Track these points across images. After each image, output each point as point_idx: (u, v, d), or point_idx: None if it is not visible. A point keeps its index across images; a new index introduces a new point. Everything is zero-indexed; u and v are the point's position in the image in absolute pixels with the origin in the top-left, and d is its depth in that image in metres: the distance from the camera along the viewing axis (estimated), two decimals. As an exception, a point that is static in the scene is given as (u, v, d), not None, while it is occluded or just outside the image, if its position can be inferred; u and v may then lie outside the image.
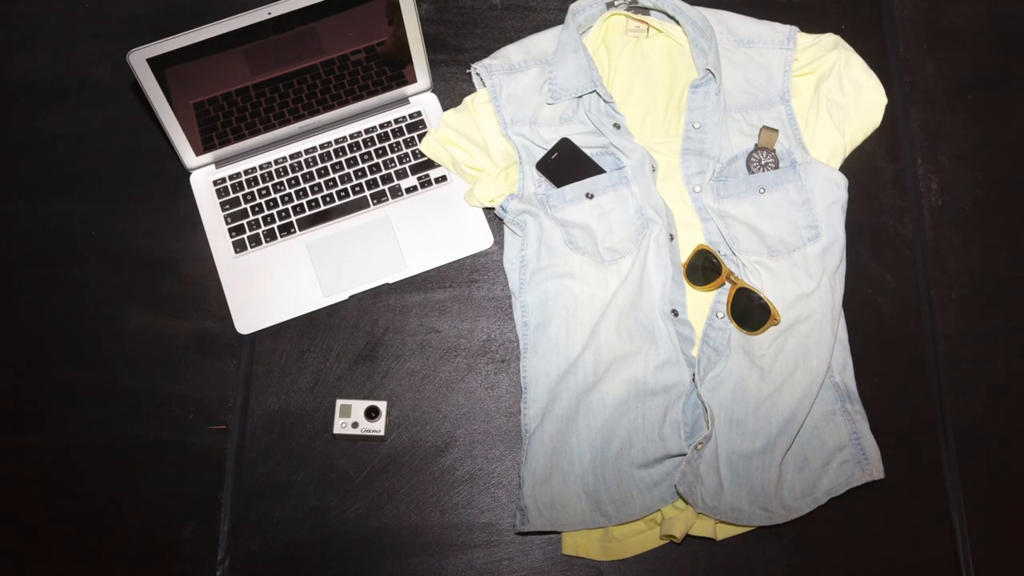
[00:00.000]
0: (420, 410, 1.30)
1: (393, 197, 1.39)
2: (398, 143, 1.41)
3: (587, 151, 1.33)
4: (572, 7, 1.38)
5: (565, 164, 1.32)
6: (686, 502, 1.21)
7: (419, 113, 1.43)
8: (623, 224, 1.30)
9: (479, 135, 1.36)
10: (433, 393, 1.31)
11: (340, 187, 1.39)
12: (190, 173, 1.41)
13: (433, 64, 1.47)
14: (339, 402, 1.28)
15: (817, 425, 1.23)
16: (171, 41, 1.21)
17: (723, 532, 1.23)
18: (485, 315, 1.35)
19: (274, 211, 1.38)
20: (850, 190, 1.35)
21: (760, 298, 1.24)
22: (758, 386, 1.23)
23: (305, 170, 1.40)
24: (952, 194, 1.40)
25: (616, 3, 1.38)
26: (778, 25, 1.39)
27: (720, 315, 1.27)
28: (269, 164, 1.40)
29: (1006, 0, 1.50)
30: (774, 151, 1.32)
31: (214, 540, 1.25)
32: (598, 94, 1.33)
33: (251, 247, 1.37)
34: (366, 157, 1.40)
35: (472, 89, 1.46)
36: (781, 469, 1.22)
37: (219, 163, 1.41)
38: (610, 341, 1.24)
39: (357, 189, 1.39)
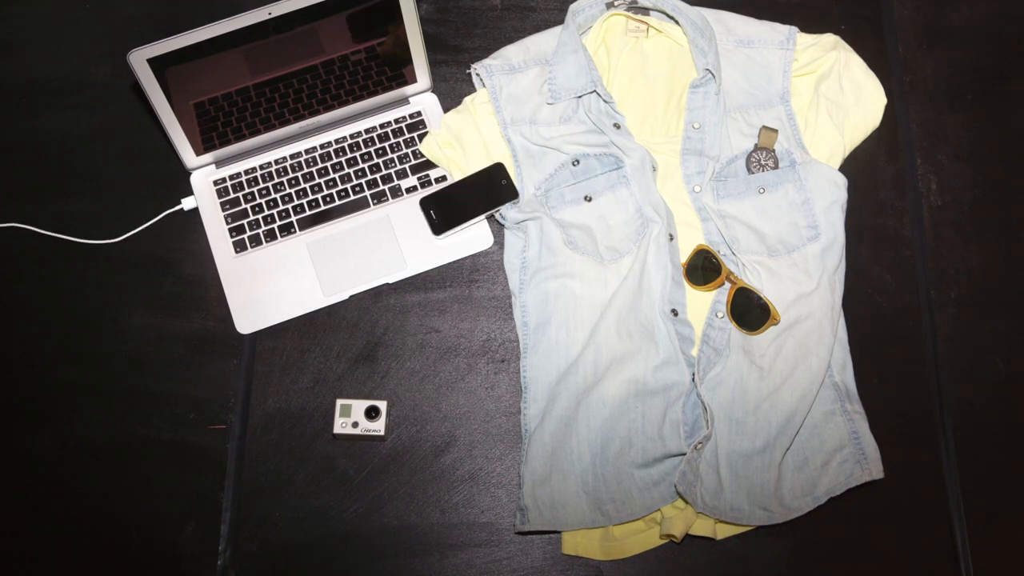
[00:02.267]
0: (420, 410, 1.31)
1: (393, 197, 1.39)
2: (398, 143, 1.41)
3: (587, 150, 1.33)
4: (572, 7, 1.38)
5: (447, 206, 1.35)
6: (686, 502, 1.21)
7: (419, 113, 1.43)
8: (623, 224, 1.30)
9: (479, 136, 1.36)
10: (433, 393, 1.31)
11: (340, 187, 1.39)
12: (190, 173, 1.41)
13: (433, 64, 1.47)
14: (339, 402, 1.28)
15: (816, 425, 1.24)
16: (171, 41, 1.21)
17: (723, 532, 1.23)
18: (485, 315, 1.35)
19: (274, 211, 1.38)
20: (850, 190, 1.35)
21: (760, 298, 1.25)
22: (758, 386, 1.23)
23: (305, 170, 1.40)
24: (952, 194, 1.40)
25: (616, 3, 1.38)
26: (778, 25, 1.39)
27: (720, 315, 1.27)
28: (269, 164, 1.40)
29: (1006, 0, 1.50)
30: (774, 151, 1.32)
31: (214, 540, 1.25)
32: (598, 94, 1.33)
33: (251, 247, 1.37)
34: (366, 157, 1.41)
35: (472, 89, 1.46)
36: (781, 469, 1.22)
37: (219, 163, 1.41)
38: (610, 341, 1.25)
39: (357, 189, 1.39)
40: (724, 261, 1.27)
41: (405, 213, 1.38)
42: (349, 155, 1.41)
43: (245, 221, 1.38)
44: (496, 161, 1.36)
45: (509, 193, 1.34)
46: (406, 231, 1.37)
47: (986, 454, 1.27)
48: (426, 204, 1.35)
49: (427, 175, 1.40)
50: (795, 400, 1.21)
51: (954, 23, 1.49)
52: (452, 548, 1.25)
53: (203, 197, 1.39)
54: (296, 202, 1.39)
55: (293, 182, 1.40)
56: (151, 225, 1.40)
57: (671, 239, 1.28)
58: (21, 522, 1.26)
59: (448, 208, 1.34)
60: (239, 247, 1.37)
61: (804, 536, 1.24)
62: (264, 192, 1.39)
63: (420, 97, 1.44)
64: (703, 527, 1.21)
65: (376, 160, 1.40)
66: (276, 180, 1.40)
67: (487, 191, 1.34)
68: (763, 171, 1.31)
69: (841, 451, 1.23)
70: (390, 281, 1.36)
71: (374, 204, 1.38)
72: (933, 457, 1.27)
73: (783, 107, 1.35)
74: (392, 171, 1.40)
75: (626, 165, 1.31)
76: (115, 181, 1.42)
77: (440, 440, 1.29)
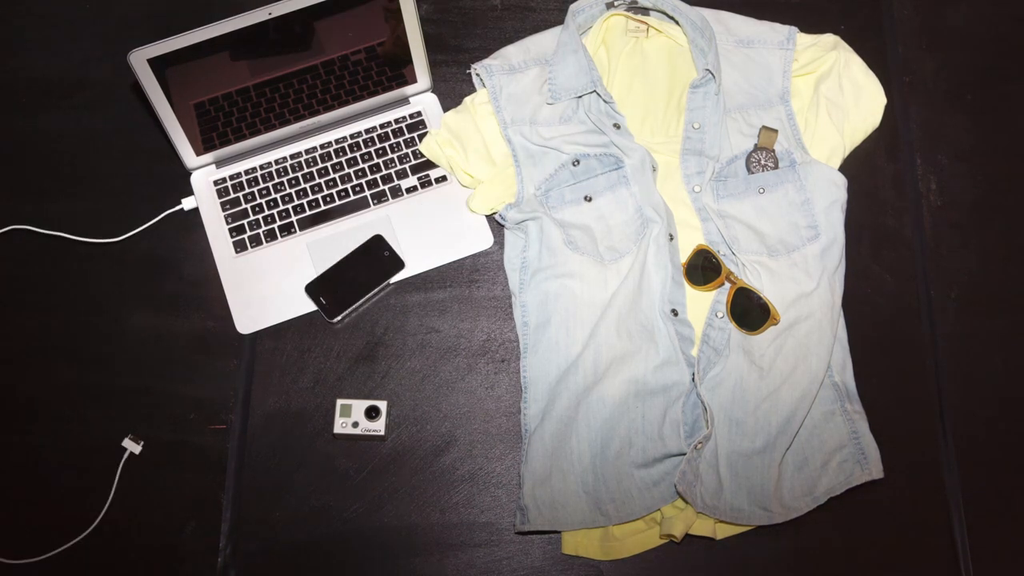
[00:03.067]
0: (420, 410, 1.31)
1: (393, 197, 1.39)
2: (398, 143, 1.41)
3: (587, 151, 1.33)
4: (572, 7, 1.38)
5: (332, 289, 1.33)
6: (686, 501, 1.22)
7: (419, 113, 1.43)
8: (623, 224, 1.30)
9: (479, 136, 1.36)
10: (433, 393, 1.31)
11: (340, 187, 1.39)
12: (190, 173, 1.41)
13: (433, 64, 1.47)
14: (339, 402, 1.28)
15: (816, 425, 1.24)
16: (172, 41, 1.21)
17: (723, 532, 1.23)
18: (485, 315, 1.35)
19: (274, 211, 1.38)
20: (850, 190, 1.35)
21: (760, 298, 1.25)
22: (757, 386, 1.23)
23: (305, 170, 1.40)
24: (951, 194, 1.40)
25: (616, 3, 1.38)
26: (778, 25, 1.39)
27: (720, 315, 1.27)
28: (269, 164, 1.40)
29: (1006, 0, 1.50)
30: (773, 151, 1.32)
31: (214, 540, 1.25)
32: (598, 94, 1.33)
33: (252, 247, 1.37)
34: (366, 157, 1.41)
35: (472, 89, 1.46)
36: (781, 469, 1.22)
37: (220, 163, 1.41)
38: (610, 341, 1.25)
39: (357, 189, 1.39)
40: (724, 261, 1.27)
41: (405, 213, 1.38)
42: (349, 155, 1.41)
43: (245, 221, 1.38)
44: (495, 162, 1.36)
45: (394, 264, 1.33)
46: (406, 231, 1.37)
47: (986, 454, 1.28)
48: (312, 291, 1.32)
49: (427, 175, 1.40)
50: (795, 400, 1.21)
51: (954, 23, 1.49)
52: (452, 548, 1.25)
53: (203, 197, 1.40)
54: (296, 202, 1.39)
55: (293, 182, 1.40)
56: (151, 225, 1.40)
57: (671, 239, 1.28)
58: (20, 522, 1.26)
59: (336, 291, 1.32)
60: (239, 247, 1.37)
61: (804, 536, 1.24)
62: (264, 192, 1.39)
63: (420, 97, 1.44)
64: (703, 527, 1.21)
65: (376, 160, 1.40)
66: (276, 180, 1.40)
67: (371, 266, 1.33)
68: (763, 171, 1.31)
69: (841, 451, 1.23)
70: (390, 281, 1.36)
71: (374, 204, 1.38)
72: (933, 457, 1.27)
73: (783, 107, 1.35)
74: (392, 171, 1.40)
75: (626, 165, 1.31)
76: (115, 181, 1.42)
77: (440, 440, 1.29)
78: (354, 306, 1.32)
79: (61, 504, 1.27)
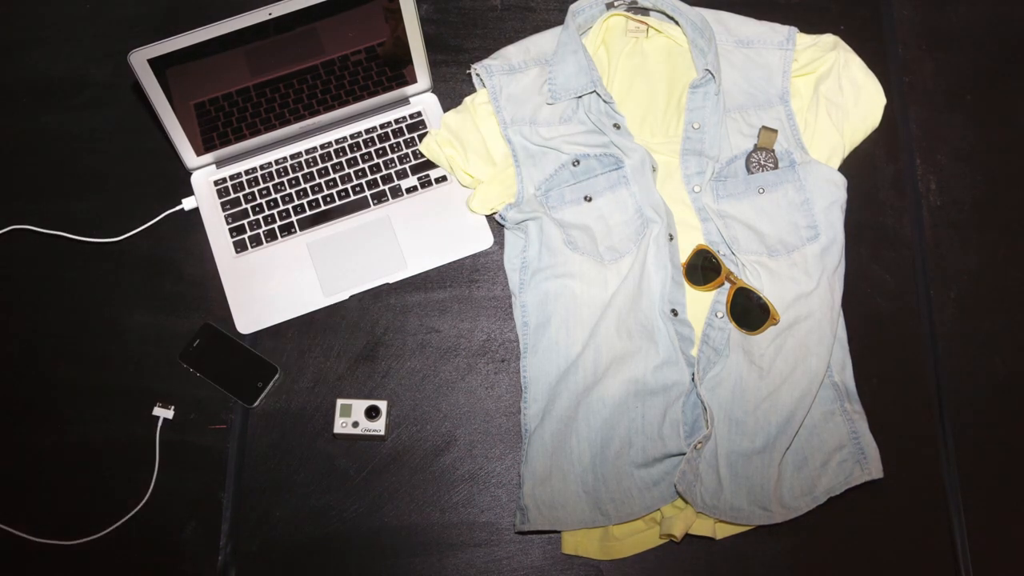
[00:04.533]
0: (420, 410, 1.31)
1: (393, 197, 1.39)
2: (398, 143, 1.41)
3: (587, 151, 1.33)
4: (572, 7, 1.38)
5: (209, 351, 1.31)
6: (685, 501, 1.22)
7: (419, 113, 1.43)
8: (623, 225, 1.30)
9: (479, 136, 1.36)
10: (433, 393, 1.31)
11: (340, 187, 1.39)
12: (191, 173, 1.41)
13: (433, 64, 1.47)
14: (339, 402, 1.28)
15: (816, 424, 1.24)
16: (172, 41, 1.21)
17: (722, 531, 1.23)
18: (485, 315, 1.35)
19: (275, 211, 1.38)
20: (849, 190, 1.35)
21: (759, 298, 1.25)
22: (757, 386, 1.23)
23: (306, 170, 1.40)
24: (951, 194, 1.40)
25: (616, 4, 1.38)
26: (777, 26, 1.39)
27: (719, 315, 1.27)
28: (270, 164, 1.41)
29: (1006, 0, 1.50)
30: (773, 151, 1.32)
31: (214, 540, 1.25)
32: (598, 94, 1.33)
33: (252, 247, 1.37)
34: (366, 157, 1.41)
35: (472, 89, 1.46)
36: (780, 468, 1.22)
37: (220, 163, 1.41)
38: (610, 341, 1.25)
39: (357, 189, 1.39)
40: (724, 261, 1.28)
41: (405, 213, 1.38)
42: (349, 155, 1.41)
43: (245, 221, 1.38)
44: (496, 161, 1.36)
45: (250, 394, 1.29)
46: (406, 231, 1.37)
47: (986, 454, 1.28)
48: (201, 333, 1.31)
49: (427, 175, 1.40)
50: (795, 400, 1.21)
51: (954, 23, 1.49)
52: (452, 548, 1.25)
53: (203, 197, 1.40)
54: (296, 202, 1.39)
55: (293, 182, 1.40)
56: (151, 225, 1.40)
57: (671, 239, 1.28)
58: (20, 522, 1.26)
59: (209, 355, 1.31)
60: (239, 247, 1.37)
61: (804, 536, 1.24)
62: (264, 192, 1.39)
63: (420, 97, 1.44)
64: (703, 527, 1.21)
65: (376, 160, 1.40)
66: (276, 180, 1.40)
67: (239, 378, 1.30)
68: (763, 171, 1.31)
69: (840, 451, 1.23)
70: (390, 281, 1.36)
71: (374, 204, 1.39)
72: (933, 457, 1.27)
73: (783, 107, 1.35)
74: (392, 171, 1.40)
75: (626, 165, 1.31)
76: (115, 181, 1.42)
77: (440, 440, 1.29)
78: (199, 376, 1.30)
79: (61, 504, 1.27)
